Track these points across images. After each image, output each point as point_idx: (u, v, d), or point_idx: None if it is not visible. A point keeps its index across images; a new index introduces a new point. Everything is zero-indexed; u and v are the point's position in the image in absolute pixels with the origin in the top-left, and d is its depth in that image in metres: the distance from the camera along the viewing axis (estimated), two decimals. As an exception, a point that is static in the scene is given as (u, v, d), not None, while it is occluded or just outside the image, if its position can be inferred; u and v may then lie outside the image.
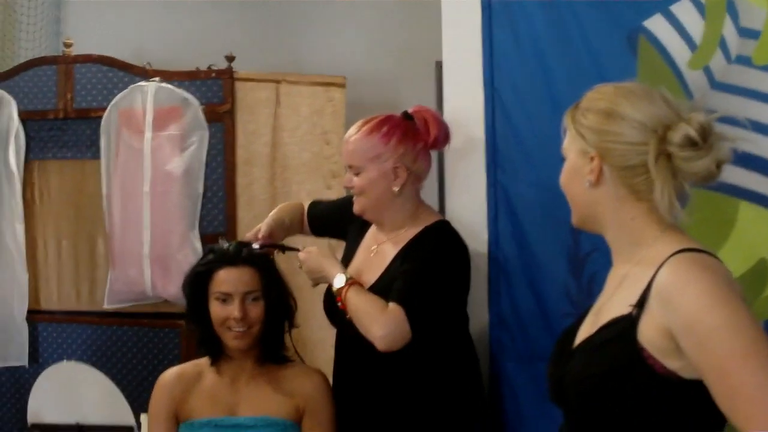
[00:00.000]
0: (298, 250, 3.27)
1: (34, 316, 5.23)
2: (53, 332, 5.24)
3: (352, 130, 3.20)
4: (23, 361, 5.20)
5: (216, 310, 3.10)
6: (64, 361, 4.17)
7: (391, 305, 3.00)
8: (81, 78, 5.08)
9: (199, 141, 4.89)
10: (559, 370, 2.27)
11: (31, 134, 5.17)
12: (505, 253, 3.37)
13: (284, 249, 3.29)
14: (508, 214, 3.36)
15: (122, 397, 3.89)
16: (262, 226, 3.37)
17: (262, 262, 3.17)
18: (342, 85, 4.82)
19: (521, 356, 3.34)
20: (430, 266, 3.08)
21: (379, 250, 3.22)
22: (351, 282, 3.10)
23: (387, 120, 3.18)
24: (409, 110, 3.24)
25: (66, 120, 5.13)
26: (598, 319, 2.23)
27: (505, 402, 3.38)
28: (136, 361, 5.11)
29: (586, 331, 2.26)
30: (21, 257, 5.16)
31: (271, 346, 3.18)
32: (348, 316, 3.10)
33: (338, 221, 3.45)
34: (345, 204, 3.38)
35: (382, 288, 3.10)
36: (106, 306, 5.06)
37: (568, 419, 2.30)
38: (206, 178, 4.91)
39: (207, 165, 4.90)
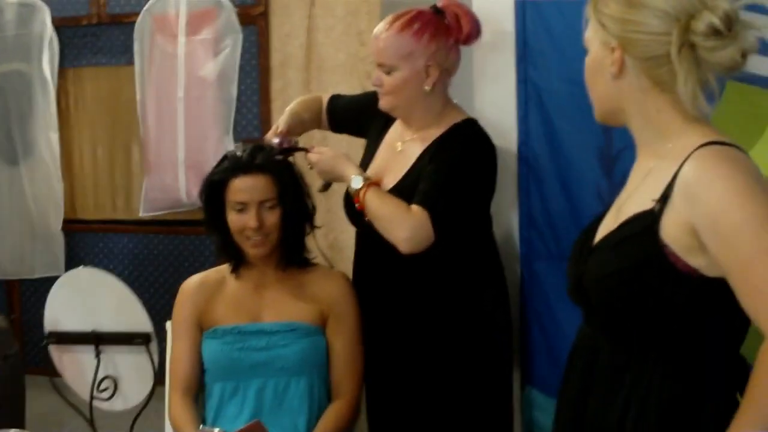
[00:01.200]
0: (307, 150, 3.19)
1: (70, 226, 5.26)
2: (90, 242, 5.26)
3: (382, 26, 3.10)
4: (59, 271, 5.20)
5: (233, 219, 3.06)
6: (81, 267, 4.09)
7: (415, 207, 2.94)
8: (109, -18, 5.04)
9: (233, 44, 4.83)
10: (579, 268, 2.21)
11: (64, 41, 5.13)
12: (534, 152, 3.29)
13: (304, 150, 3.20)
14: (538, 112, 3.26)
15: (139, 303, 3.82)
16: (280, 122, 3.31)
17: (278, 167, 3.10)
18: (377, -15, 4.71)
19: (551, 256, 3.27)
20: (457, 167, 3.01)
21: (404, 148, 3.15)
22: (369, 183, 3.04)
23: (418, 16, 3.08)
24: (439, 4, 3.13)
25: (100, 26, 5.10)
26: (619, 215, 2.17)
27: (535, 301, 3.33)
28: (173, 269, 5.11)
29: (607, 226, 2.20)
30: (56, 167, 5.16)
31: (291, 252, 3.14)
32: (367, 219, 3.04)
33: (360, 117, 3.37)
34: (368, 99, 3.30)
35: (407, 187, 3.03)
36: (142, 214, 5.06)
37: (588, 318, 2.25)
38: (240, 83, 4.86)
39: (241, 69, 4.85)
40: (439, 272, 3.06)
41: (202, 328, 3.13)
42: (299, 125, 3.36)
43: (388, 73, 3.07)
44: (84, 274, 3.99)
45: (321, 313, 3.10)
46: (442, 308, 3.09)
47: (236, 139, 4.80)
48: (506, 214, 3.36)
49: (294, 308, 3.10)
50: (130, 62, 4.98)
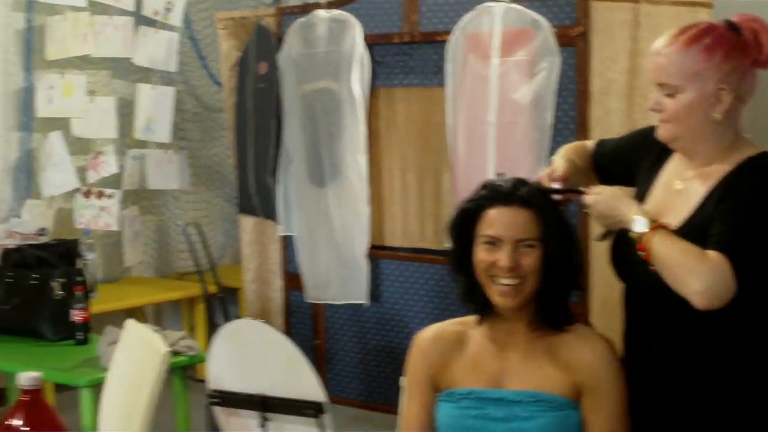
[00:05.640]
0: (583, 192, 2.89)
1: (377, 252, 5.24)
2: (395, 270, 5.21)
3: (664, 40, 2.76)
4: (363, 298, 5.21)
5: (481, 255, 2.75)
6: (245, 318, 3.76)
7: (712, 253, 2.59)
8: (426, -2, 5.02)
9: (550, 67, 4.66)
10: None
11: (376, 59, 5.11)
12: None
13: (581, 192, 2.91)
14: None
15: (309, 366, 3.44)
16: (557, 165, 3.02)
17: (543, 203, 2.81)
18: (708, 5, 4.37)
19: None
20: (759, 205, 2.64)
21: (684, 187, 2.80)
22: (656, 226, 2.71)
23: (709, 30, 2.73)
24: (735, 19, 2.78)
25: (412, 44, 5.04)
26: None
27: None
28: (477, 307, 4.98)
29: None
30: (363, 191, 5.16)
31: (550, 307, 2.81)
32: (652, 268, 2.71)
33: (628, 157, 3.02)
34: (637, 136, 2.99)
35: (691, 233, 2.68)
36: (448, 244, 4.92)
37: None
38: (557, 108, 4.66)
39: (557, 94, 4.65)
40: (736, 339, 2.69)
41: (436, 389, 2.92)
42: (574, 173, 3.08)
43: (671, 95, 2.75)
44: (248, 327, 3.67)
45: (573, 384, 2.80)
46: (740, 386, 2.71)
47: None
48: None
49: (542, 375, 2.81)
50: (442, 83, 4.90)
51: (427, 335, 2.94)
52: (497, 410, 2.80)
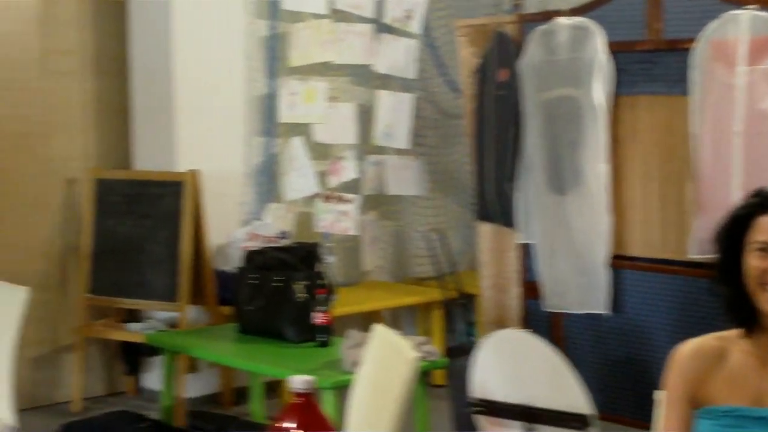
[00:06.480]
0: None
1: (618, 261, 5.31)
2: (636, 280, 5.25)
3: None
4: (602, 308, 5.29)
5: (754, 262, 2.70)
6: (509, 329, 3.86)
7: None
8: (671, 6, 5.02)
9: (799, 77, 4.61)
10: None
11: (619, 67, 5.16)
12: None
13: None
14: None
15: (574, 378, 3.52)
16: None
17: None
18: None
19: None
20: None
21: None
22: None
23: None
24: None
25: (656, 52, 5.08)
26: None
27: None
28: (721, 321, 4.95)
29: None
30: (604, 199, 5.21)
31: None
32: None
33: None
34: None
35: None
36: (691, 255, 4.94)
37: None
38: (806, 120, 4.64)
39: (807, 105, 4.62)
40: None
41: (694, 404, 2.95)
42: None
43: None
44: (513, 337, 3.79)
45: None
46: None
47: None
48: None
49: None
50: (685, 92, 4.93)
51: (686, 350, 2.92)
52: (759, 429, 2.78)
